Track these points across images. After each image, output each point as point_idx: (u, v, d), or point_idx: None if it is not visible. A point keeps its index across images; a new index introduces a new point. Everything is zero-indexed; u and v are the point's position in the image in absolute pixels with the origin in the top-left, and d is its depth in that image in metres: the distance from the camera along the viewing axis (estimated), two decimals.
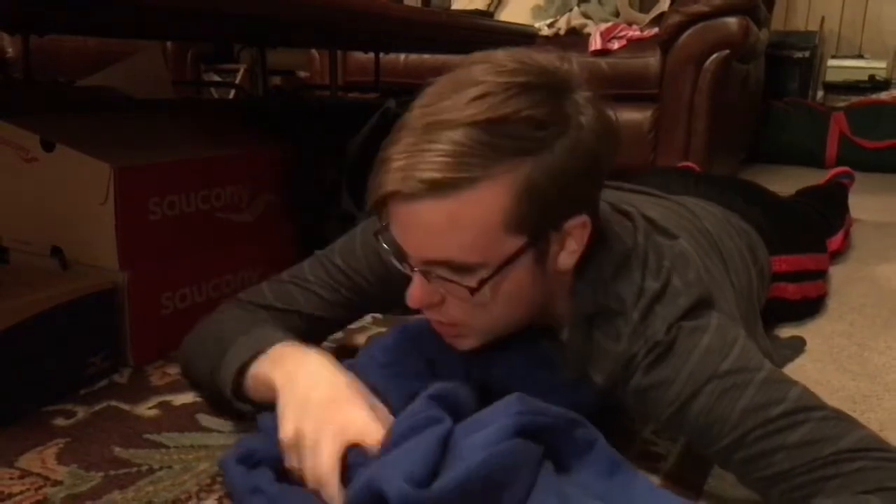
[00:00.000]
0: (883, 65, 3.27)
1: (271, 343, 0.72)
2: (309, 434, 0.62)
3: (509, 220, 0.60)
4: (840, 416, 0.62)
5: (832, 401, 0.87)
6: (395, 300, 0.73)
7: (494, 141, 0.58)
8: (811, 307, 1.20)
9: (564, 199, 0.62)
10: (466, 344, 0.70)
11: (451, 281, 0.63)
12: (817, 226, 1.40)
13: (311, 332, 0.81)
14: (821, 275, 1.22)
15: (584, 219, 0.64)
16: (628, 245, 0.70)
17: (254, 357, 0.71)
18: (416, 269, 0.64)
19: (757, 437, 0.61)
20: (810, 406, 0.62)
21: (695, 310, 0.67)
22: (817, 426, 0.61)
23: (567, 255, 0.65)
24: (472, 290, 0.62)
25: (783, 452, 0.60)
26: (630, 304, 0.67)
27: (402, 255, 0.66)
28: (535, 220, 0.61)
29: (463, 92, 0.59)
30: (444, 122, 0.58)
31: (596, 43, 2.22)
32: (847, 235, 1.61)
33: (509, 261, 0.62)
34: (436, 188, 0.58)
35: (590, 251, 0.67)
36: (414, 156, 0.58)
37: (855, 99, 3.13)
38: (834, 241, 1.47)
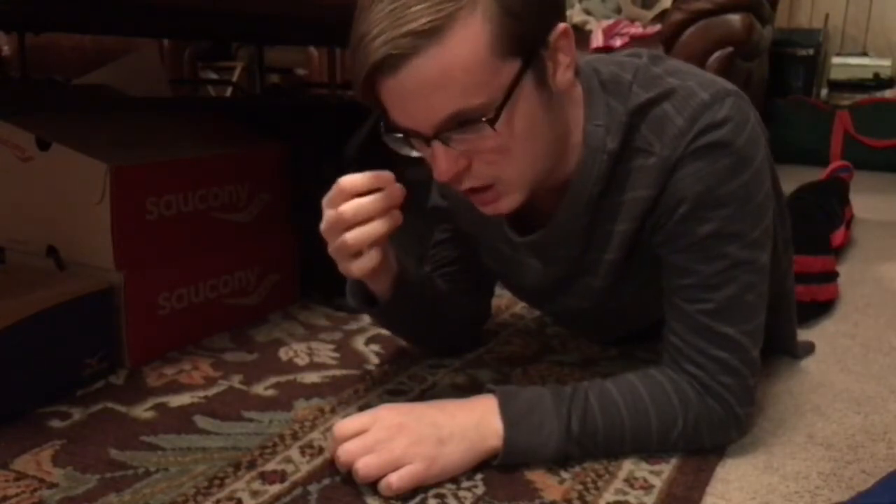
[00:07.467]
0: (887, 63, 3.25)
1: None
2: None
3: (497, 45, 0.60)
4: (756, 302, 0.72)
5: (836, 402, 0.87)
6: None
7: None
8: (819, 310, 1.18)
9: (542, 5, 0.62)
10: (508, 203, 0.69)
11: (468, 132, 0.62)
12: (821, 225, 1.39)
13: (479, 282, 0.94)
14: (828, 277, 1.21)
15: (563, 26, 0.64)
16: (636, 63, 0.75)
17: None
18: (431, 140, 0.63)
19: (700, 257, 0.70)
20: (755, 281, 0.71)
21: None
22: (737, 299, 0.71)
23: (563, 70, 0.66)
24: (492, 122, 0.61)
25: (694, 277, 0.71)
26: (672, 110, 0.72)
27: (414, 135, 0.65)
28: (522, 37, 0.61)
29: None
30: None
31: (598, 40, 2.21)
32: (848, 228, 1.60)
33: (512, 86, 0.62)
34: (420, 39, 0.58)
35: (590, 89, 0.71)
36: (388, 18, 0.58)
37: (859, 97, 3.11)
38: (836, 236, 1.46)
